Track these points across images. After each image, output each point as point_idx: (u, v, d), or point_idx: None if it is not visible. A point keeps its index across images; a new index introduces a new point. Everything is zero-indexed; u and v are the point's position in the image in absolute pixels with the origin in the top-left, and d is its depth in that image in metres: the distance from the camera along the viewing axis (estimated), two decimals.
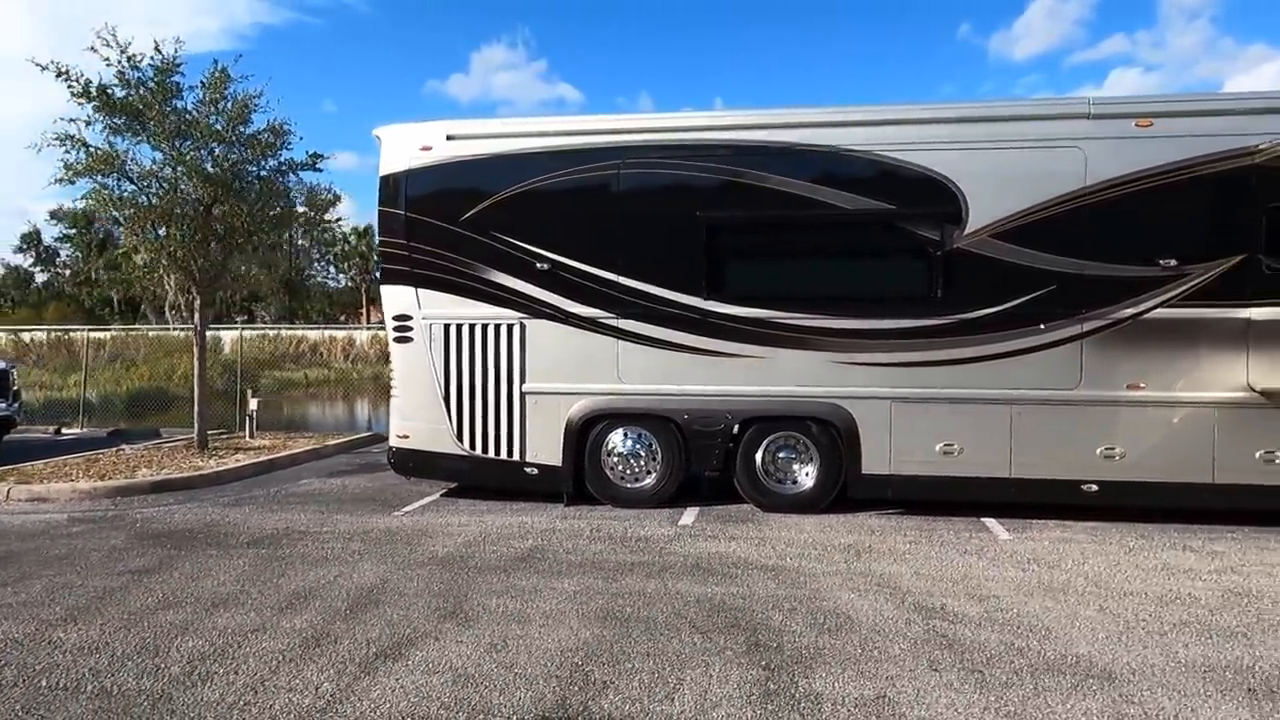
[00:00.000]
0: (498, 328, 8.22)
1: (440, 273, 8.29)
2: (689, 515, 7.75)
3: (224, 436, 12.53)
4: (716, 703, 3.86)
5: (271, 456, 10.65)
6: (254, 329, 35.63)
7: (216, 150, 10.41)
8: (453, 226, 8.24)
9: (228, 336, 21.93)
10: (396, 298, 8.44)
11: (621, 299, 8.00)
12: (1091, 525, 7.35)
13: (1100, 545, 6.73)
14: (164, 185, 9.95)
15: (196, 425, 11.03)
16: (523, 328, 8.18)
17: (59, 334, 26.70)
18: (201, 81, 10.39)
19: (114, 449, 11.26)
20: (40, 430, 14.39)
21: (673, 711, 3.78)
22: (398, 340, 8.47)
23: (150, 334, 26.72)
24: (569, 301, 8.09)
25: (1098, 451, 7.45)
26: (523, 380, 8.20)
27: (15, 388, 11.84)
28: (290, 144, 10.89)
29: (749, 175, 7.80)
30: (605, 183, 8.05)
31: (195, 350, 10.91)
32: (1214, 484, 7.33)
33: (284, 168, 11.17)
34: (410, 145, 8.37)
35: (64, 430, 14.43)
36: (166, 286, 10.46)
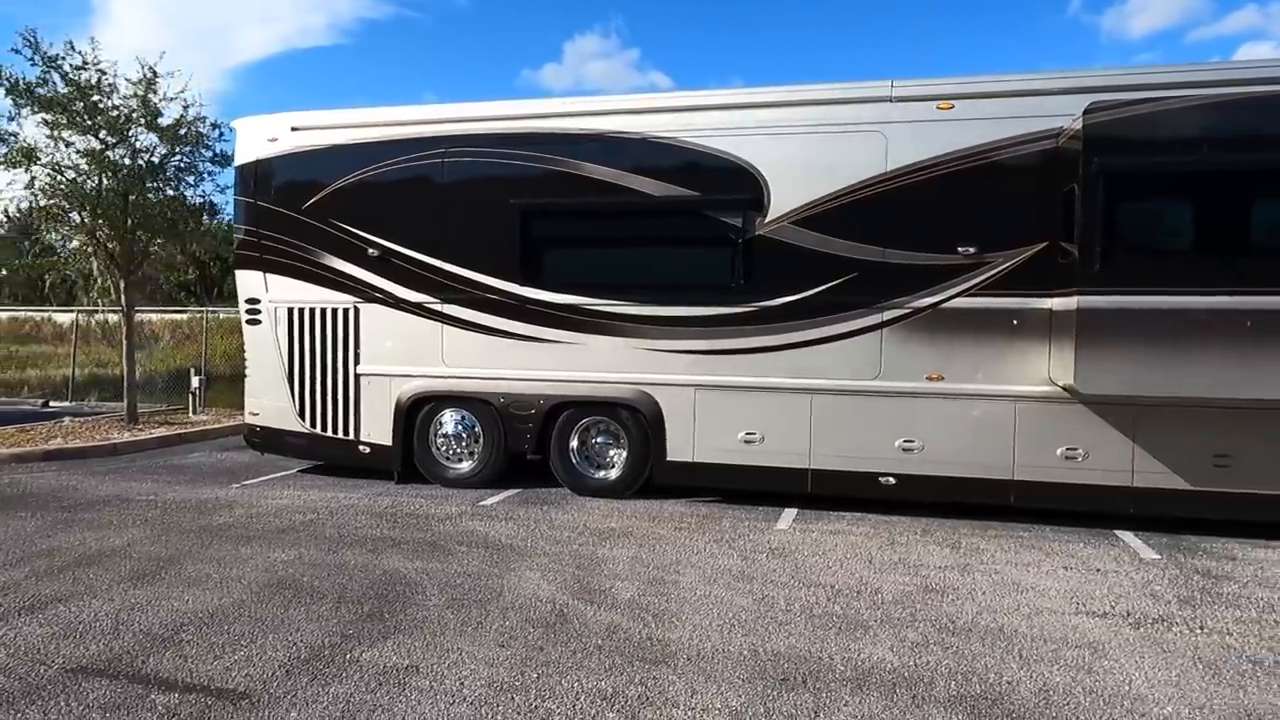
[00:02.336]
0: (335, 311, 8.56)
1: (285, 258, 8.69)
2: (499, 496, 7.94)
3: (169, 412, 13.35)
4: (260, 666, 4.08)
5: (183, 431, 11.34)
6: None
7: (138, 143, 11.10)
8: (296, 214, 8.61)
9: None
10: (247, 282, 8.89)
11: (445, 284, 8.22)
12: (889, 519, 7.20)
13: (869, 539, 6.60)
14: (79, 176, 10.67)
15: (126, 399, 11.82)
16: (357, 311, 8.50)
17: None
18: (125, 79, 11.09)
19: (56, 420, 12.17)
20: (29, 403, 15.61)
21: (214, 670, 4.02)
22: (249, 322, 8.93)
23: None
24: (398, 287, 8.37)
25: (897, 444, 7.28)
26: (357, 362, 8.53)
27: None
28: (213, 139, 11.48)
29: (561, 163, 7.89)
30: (430, 172, 8.27)
31: (123, 330, 11.68)
32: (1014, 480, 7.07)
33: (218, 159, 11.81)
34: (260, 136, 8.78)
35: (50, 403, 15.59)
36: (92, 270, 11.20)
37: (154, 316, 19.93)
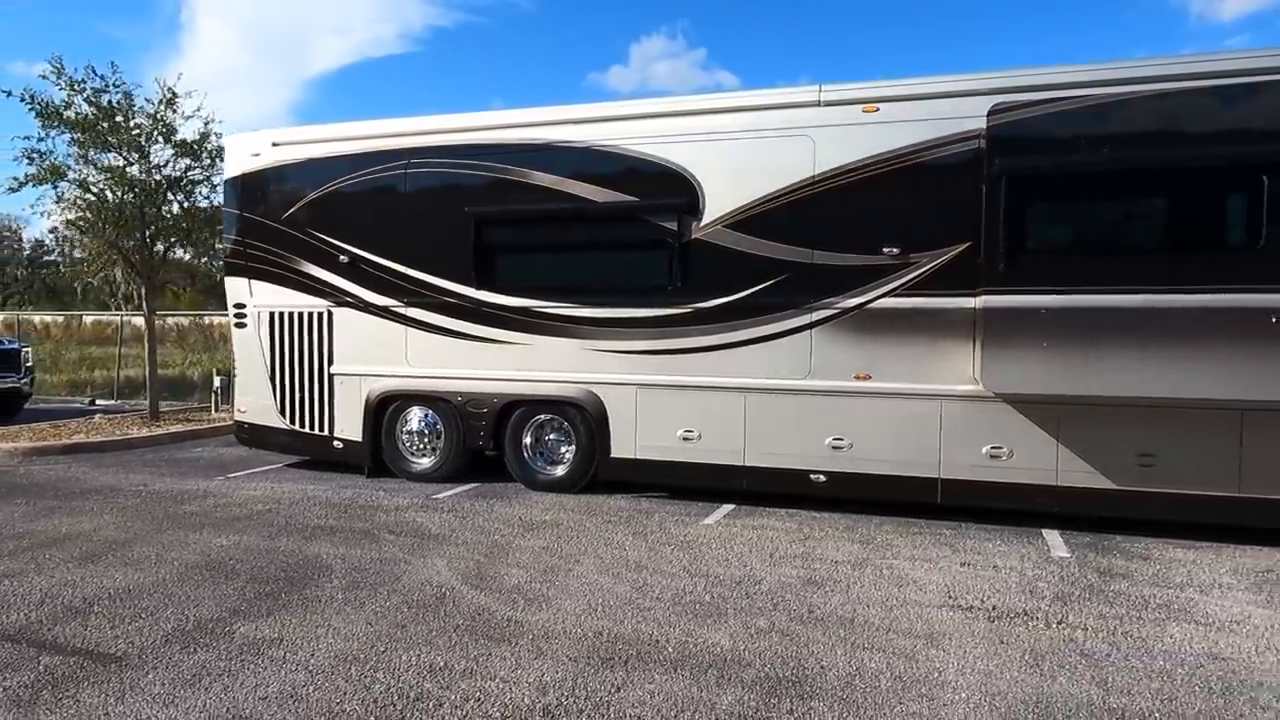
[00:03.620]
0: (311, 315, 9.12)
1: (267, 265, 9.28)
2: (455, 490, 8.36)
3: (194, 410, 14.22)
4: (146, 635, 4.55)
5: (198, 427, 12.12)
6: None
7: (157, 158, 11.93)
8: (276, 224, 9.20)
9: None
10: (235, 288, 9.52)
11: (408, 289, 8.68)
12: (820, 515, 7.36)
13: (786, 534, 6.78)
14: (99, 191, 11.53)
15: (149, 397, 12.68)
16: (330, 315, 9.04)
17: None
18: (147, 99, 11.95)
19: (88, 417, 13.13)
20: (80, 402, 16.78)
21: (105, 637, 4.50)
22: (236, 326, 9.56)
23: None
24: (366, 291, 8.87)
25: (827, 442, 7.42)
26: (330, 363, 9.06)
27: (29, 364, 14.03)
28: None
29: (510, 172, 8.26)
30: (394, 182, 8.74)
31: (146, 333, 12.54)
32: (941, 479, 7.15)
33: None
34: (244, 152, 9.41)
35: (98, 401, 16.73)
36: (116, 277, 12.08)
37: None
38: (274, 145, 9.29)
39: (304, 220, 9.08)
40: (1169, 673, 4.15)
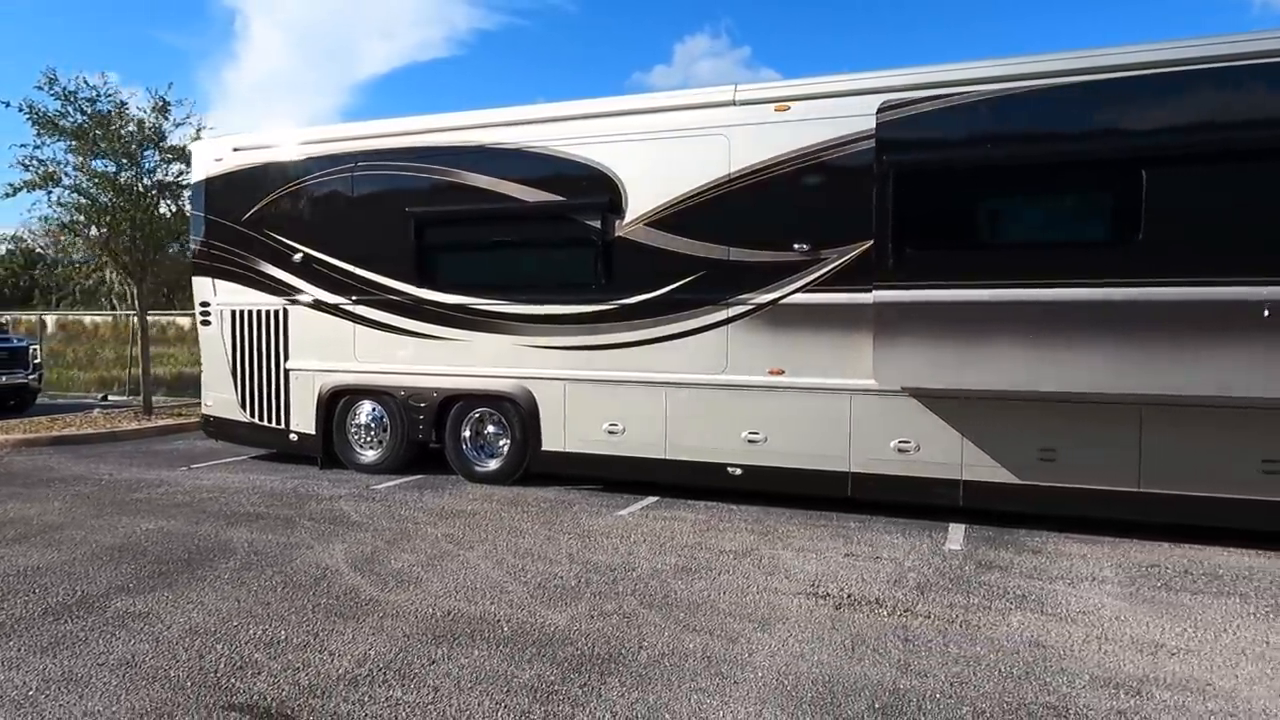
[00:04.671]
0: (268, 312, 9.50)
1: (229, 265, 9.70)
2: (396, 481, 8.65)
3: (189, 405, 14.78)
4: (27, 608, 4.89)
5: (185, 421, 12.63)
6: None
7: (148, 162, 12.48)
8: (237, 226, 9.60)
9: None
10: (200, 287, 9.95)
11: (356, 287, 9.01)
12: (735, 507, 7.48)
13: (690, 525, 6.93)
14: (88, 196, 12.11)
15: (142, 393, 13.26)
16: (285, 313, 9.41)
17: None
18: (139, 108, 12.51)
19: (86, 411, 13.75)
20: (92, 397, 17.53)
21: None
22: (202, 323, 9.99)
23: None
24: (318, 289, 9.22)
25: (742, 436, 7.55)
26: (286, 358, 9.44)
27: (37, 360, 14.75)
28: None
29: (448, 174, 8.53)
30: (343, 184, 9.08)
31: (140, 329, 13.12)
32: (851, 473, 7.23)
33: None
34: (209, 156, 9.83)
35: (110, 397, 17.44)
36: (110, 277, 12.67)
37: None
38: (235, 150, 9.70)
39: (262, 221, 9.47)
40: (978, 658, 4.23)
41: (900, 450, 7.05)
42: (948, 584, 5.43)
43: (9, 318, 25.68)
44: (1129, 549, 6.26)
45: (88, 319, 31.03)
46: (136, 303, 12.93)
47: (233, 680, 3.93)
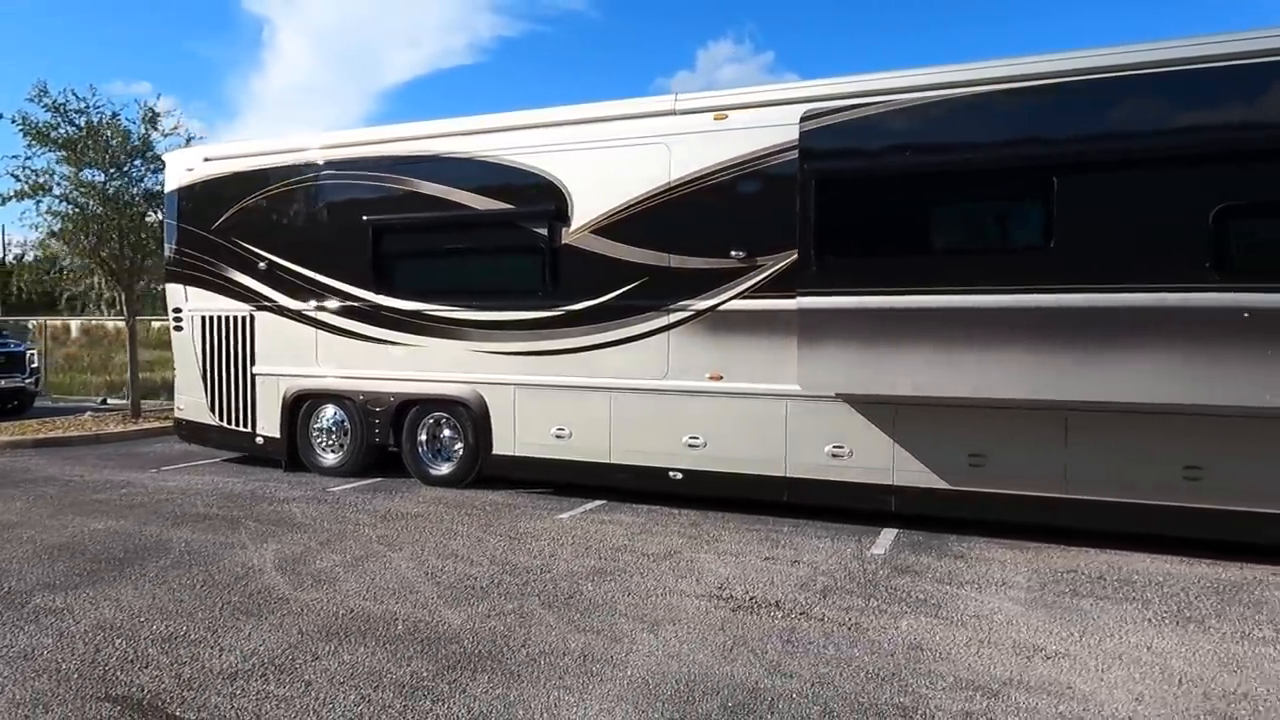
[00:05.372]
0: (236, 318, 9.73)
1: (199, 272, 9.94)
2: (354, 484, 8.82)
3: None
4: None
5: (169, 425, 12.88)
6: None
7: (136, 172, 12.82)
8: (207, 234, 9.84)
9: None
10: (173, 294, 10.21)
11: (318, 293, 9.21)
12: (676, 512, 7.57)
13: (625, 529, 7.03)
14: (77, 205, 12.45)
15: (130, 396, 13.58)
16: (252, 319, 9.63)
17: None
18: (128, 119, 12.87)
19: (77, 414, 14.10)
20: (91, 399, 17.94)
21: None
22: (175, 329, 10.25)
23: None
24: (282, 296, 9.43)
25: (683, 440, 7.64)
26: (253, 363, 9.66)
27: (34, 365, 15.15)
28: None
29: (404, 183, 8.71)
30: (304, 193, 9.29)
31: (127, 334, 13.44)
32: (787, 478, 7.29)
33: None
34: (181, 166, 10.10)
35: (109, 400, 17.83)
36: (99, 284, 13.01)
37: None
38: (205, 160, 9.95)
39: (230, 230, 9.70)
40: (851, 660, 4.30)
41: (834, 455, 7.11)
42: (854, 588, 5.49)
43: (35, 322, 26.34)
44: (1052, 554, 6.28)
45: (110, 324, 31.70)
46: (125, 309, 13.24)
47: (119, 673, 4.09)
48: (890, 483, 6.94)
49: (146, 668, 4.16)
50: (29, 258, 24.36)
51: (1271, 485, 5.87)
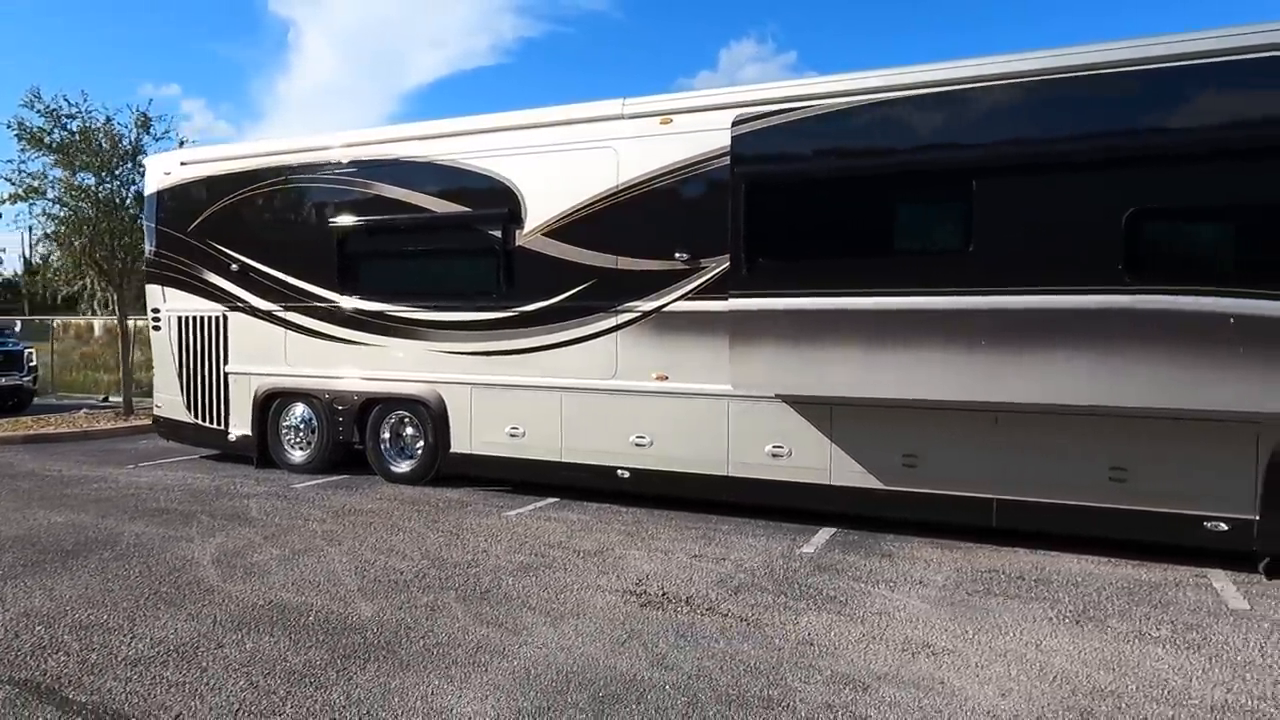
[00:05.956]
0: (210, 318, 9.97)
1: (176, 274, 10.20)
2: (318, 480, 9.02)
3: None
4: None
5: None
6: None
7: (127, 175, 13.14)
8: (183, 236, 10.10)
9: None
10: (152, 294, 10.49)
11: (286, 295, 9.43)
12: (621, 509, 7.69)
13: (567, 525, 7.17)
14: (70, 208, 12.79)
15: (123, 394, 13.91)
16: (225, 319, 9.87)
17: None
18: (121, 124, 13.20)
19: (71, 411, 14.45)
20: (95, 398, 18.36)
21: None
22: (154, 329, 10.53)
23: None
24: (253, 297, 9.66)
25: (631, 439, 7.76)
26: (226, 362, 9.90)
27: (32, 364, 15.57)
28: None
29: (366, 186, 8.90)
30: (274, 196, 9.52)
31: (119, 333, 13.77)
32: (729, 477, 7.39)
33: None
34: (159, 171, 10.36)
35: (110, 398, 18.23)
36: (90, 284, 13.35)
37: None
38: (182, 164, 10.21)
39: (204, 232, 9.94)
40: (736, 654, 4.40)
41: (774, 455, 7.19)
42: (769, 585, 5.58)
43: (59, 321, 26.96)
44: (981, 555, 6.33)
45: (133, 323, 32.26)
46: (117, 309, 13.57)
47: (29, 658, 4.28)
48: (828, 483, 7.02)
49: (57, 653, 4.34)
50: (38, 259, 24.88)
51: (1193, 487, 5.89)
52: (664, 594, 5.38)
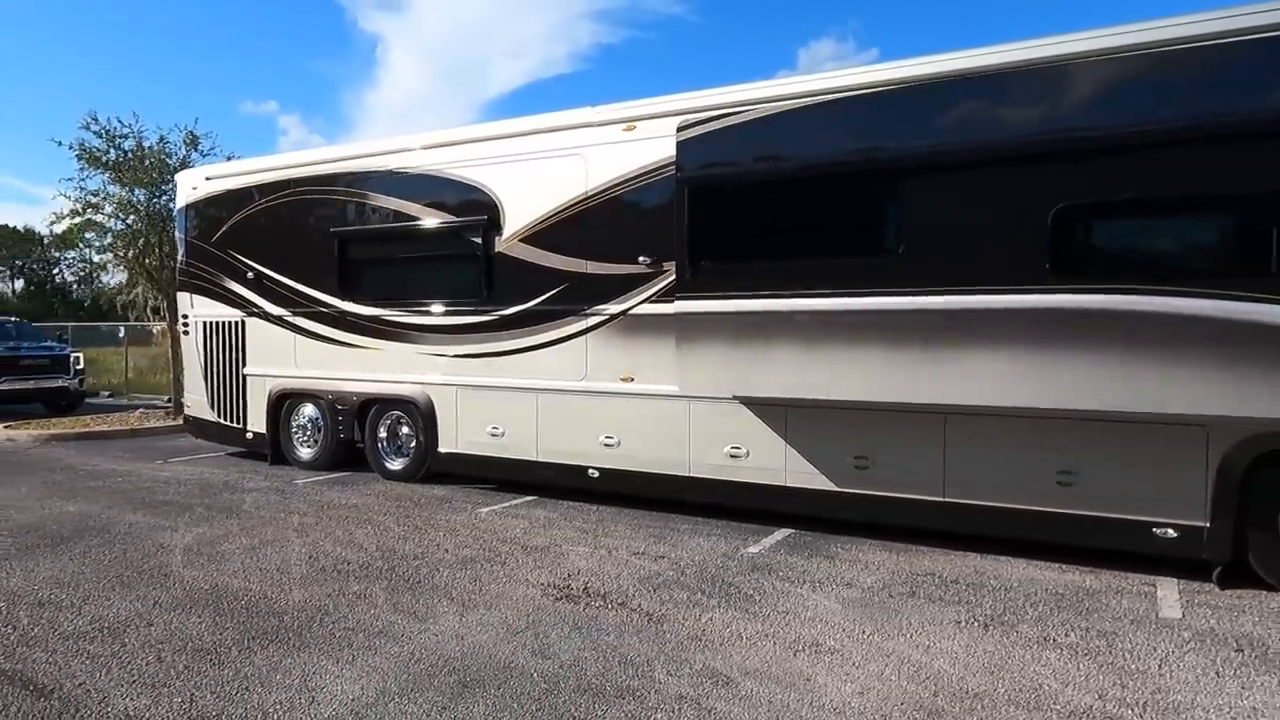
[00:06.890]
0: (230, 323, 10.60)
1: (202, 282, 10.88)
2: (321, 476, 9.51)
3: None
4: None
5: None
6: None
7: (173, 189, 14.02)
8: (208, 246, 10.77)
9: None
10: (182, 301, 11.21)
11: (296, 300, 9.96)
12: (589, 507, 7.87)
13: (530, 522, 7.39)
14: (121, 219, 13.75)
15: (171, 395, 14.83)
16: (244, 324, 10.48)
17: None
18: (170, 141, 14.14)
19: (130, 410, 15.47)
20: (160, 400, 19.55)
21: None
22: (183, 333, 11.24)
23: None
24: (267, 303, 10.23)
25: (600, 440, 7.93)
26: (244, 365, 10.51)
27: (79, 367, 16.73)
28: None
29: (363, 196, 9.35)
30: (284, 208, 10.05)
31: (170, 339, 14.70)
32: (690, 477, 7.49)
33: None
34: (188, 185, 11.07)
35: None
36: (142, 293, 14.32)
37: None
38: (207, 179, 10.89)
39: (226, 243, 10.59)
40: (618, 646, 4.52)
41: (732, 456, 7.26)
42: (693, 583, 5.67)
43: (158, 328, 28.63)
44: (926, 558, 6.26)
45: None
46: (168, 314, 14.50)
47: None
48: (783, 484, 7.04)
49: (4, 626, 4.79)
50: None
51: (1142, 492, 5.71)
52: (585, 589, 5.54)
